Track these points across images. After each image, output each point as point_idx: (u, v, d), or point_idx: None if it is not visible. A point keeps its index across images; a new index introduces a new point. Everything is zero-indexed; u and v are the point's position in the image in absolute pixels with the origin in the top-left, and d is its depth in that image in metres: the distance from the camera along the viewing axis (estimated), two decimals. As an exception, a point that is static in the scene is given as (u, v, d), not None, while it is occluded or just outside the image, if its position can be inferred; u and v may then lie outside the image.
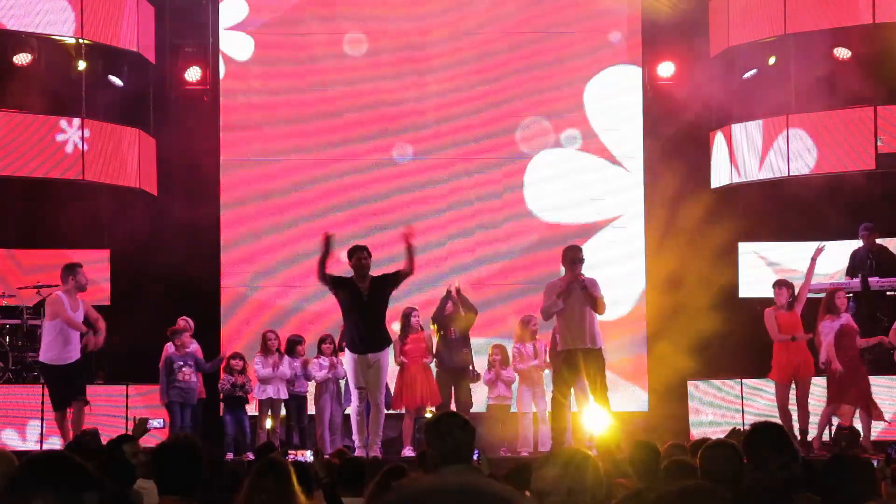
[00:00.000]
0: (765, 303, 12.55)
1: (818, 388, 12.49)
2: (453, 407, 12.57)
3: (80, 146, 14.03)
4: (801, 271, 12.79)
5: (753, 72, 14.95)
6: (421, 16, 15.53)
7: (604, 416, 11.72)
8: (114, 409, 13.08)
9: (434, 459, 4.46)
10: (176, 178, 15.14)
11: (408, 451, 12.36)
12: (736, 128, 14.77)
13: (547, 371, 12.96)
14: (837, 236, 14.31)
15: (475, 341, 13.21)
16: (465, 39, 15.51)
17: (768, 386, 12.50)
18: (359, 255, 11.43)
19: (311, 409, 13.30)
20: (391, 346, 11.77)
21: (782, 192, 14.83)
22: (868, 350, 12.43)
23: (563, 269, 11.72)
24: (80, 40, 14.26)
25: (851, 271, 13.72)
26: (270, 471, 5.05)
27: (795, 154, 14.26)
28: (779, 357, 12.20)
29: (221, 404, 13.46)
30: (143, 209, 14.98)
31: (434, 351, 12.97)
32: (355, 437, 11.73)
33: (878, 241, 13.89)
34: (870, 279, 13.40)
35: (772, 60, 14.86)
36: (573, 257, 11.57)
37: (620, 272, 14.99)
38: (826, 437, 12.04)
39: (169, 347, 12.89)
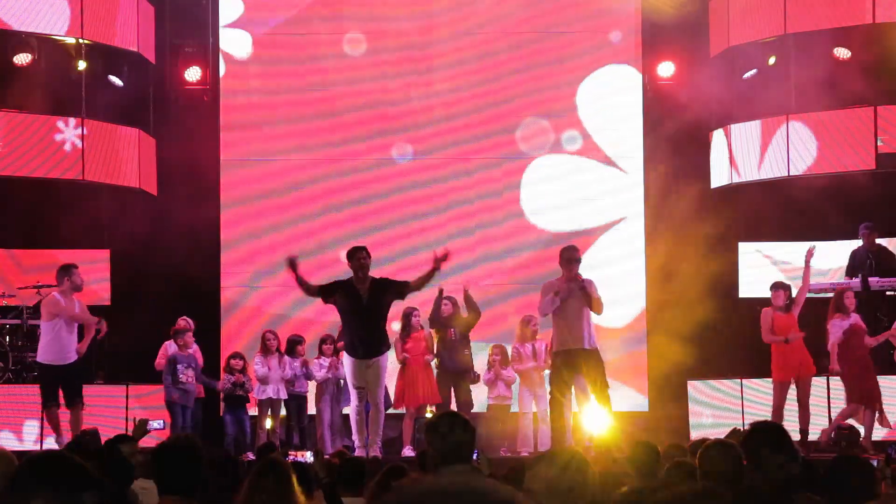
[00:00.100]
0: (765, 303, 12.54)
1: (818, 388, 12.50)
2: (453, 407, 12.56)
3: (77, 144, 14.03)
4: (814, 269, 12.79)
5: (753, 72, 14.94)
6: (421, 15, 15.53)
7: (604, 416, 11.72)
8: (114, 410, 13.08)
9: (434, 459, 4.46)
10: (176, 177, 15.13)
11: (408, 451, 12.35)
12: (735, 128, 14.77)
13: (547, 371, 12.95)
14: (837, 236, 14.32)
15: (475, 341, 13.19)
16: (465, 39, 15.50)
17: (768, 386, 12.49)
18: (359, 256, 11.39)
19: (311, 409, 13.30)
20: (390, 349, 11.76)
21: (782, 192, 14.82)
22: (873, 349, 12.43)
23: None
24: (80, 40, 14.26)
25: (851, 271, 13.72)
26: (270, 471, 5.05)
27: (796, 147, 14.25)
28: (777, 358, 12.21)
29: (222, 404, 13.47)
30: (143, 209, 14.98)
31: (435, 351, 12.96)
32: (355, 437, 11.72)
33: (878, 241, 13.89)
34: (870, 279, 13.40)
35: (772, 60, 14.86)
36: (569, 257, 11.57)
37: (620, 272, 15.00)
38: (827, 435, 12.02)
39: (169, 346, 12.89)
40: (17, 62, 14.34)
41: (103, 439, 8.27)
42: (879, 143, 13.92)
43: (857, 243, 13.89)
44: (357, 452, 11.21)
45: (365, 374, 11.40)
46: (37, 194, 14.84)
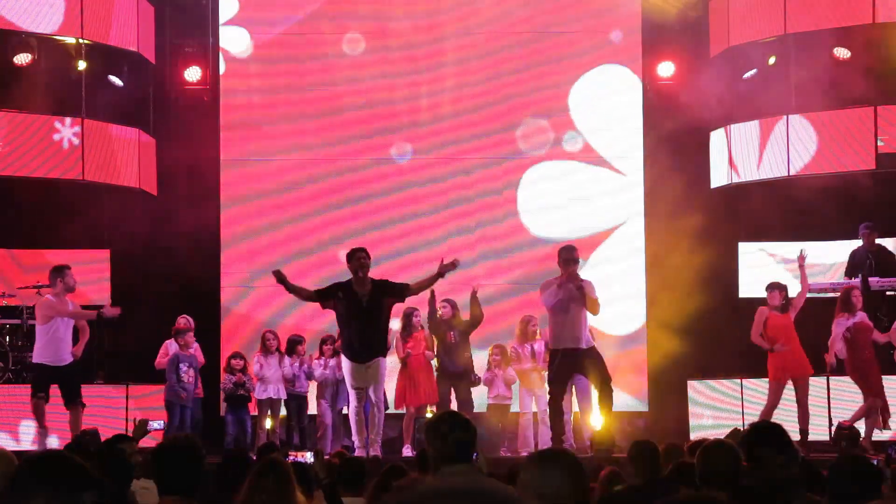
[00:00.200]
0: (765, 303, 12.54)
1: (818, 388, 12.48)
2: (453, 407, 12.55)
3: (74, 142, 14.01)
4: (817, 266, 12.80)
5: (753, 72, 14.94)
6: (421, 15, 15.53)
7: (603, 416, 11.73)
8: (114, 410, 13.08)
9: (434, 459, 4.45)
10: (176, 177, 15.13)
11: (408, 451, 12.35)
12: (735, 128, 14.77)
13: (546, 371, 12.94)
14: (837, 236, 14.32)
15: (475, 341, 13.17)
16: (465, 39, 15.50)
17: (767, 386, 12.47)
18: (359, 256, 11.40)
19: (311, 409, 13.30)
20: (389, 351, 11.76)
21: (782, 192, 14.82)
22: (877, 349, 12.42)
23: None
24: (80, 40, 14.26)
25: (851, 271, 13.71)
26: (270, 471, 5.04)
27: (794, 144, 14.24)
28: (774, 358, 12.20)
29: (223, 404, 13.46)
30: (143, 209, 14.97)
31: (435, 351, 12.94)
32: (354, 437, 11.72)
33: (878, 241, 13.88)
34: (870, 279, 13.40)
35: (772, 60, 14.86)
36: (567, 257, 11.60)
37: (620, 272, 15.00)
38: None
39: (170, 346, 12.89)
40: (17, 62, 14.34)
41: (103, 439, 8.27)
42: (880, 143, 13.92)
43: (857, 243, 13.88)
44: (357, 452, 11.21)
45: (364, 375, 11.40)
46: (37, 194, 14.84)
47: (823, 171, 14.25)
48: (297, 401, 13.12)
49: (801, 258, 12.36)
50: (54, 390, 11.75)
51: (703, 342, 14.42)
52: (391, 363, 12.25)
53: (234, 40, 15.49)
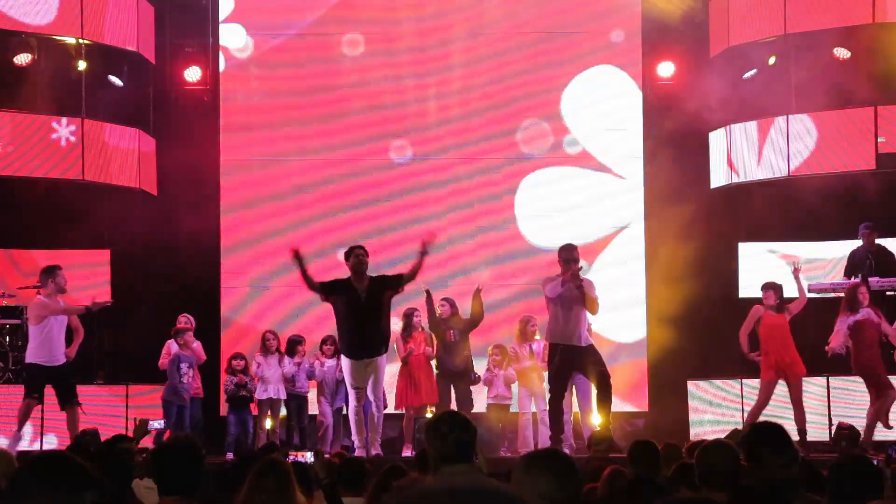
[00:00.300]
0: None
1: (818, 388, 12.48)
2: (453, 406, 12.55)
3: (71, 140, 14.01)
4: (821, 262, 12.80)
5: (753, 72, 14.94)
6: (423, 18, 15.52)
7: (601, 415, 11.73)
8: (114, 410, 13.08)
9: (434, 459, 4.45)
10: (176, 178, 15.12)
11: (408, 451, 12.35)
12: (735, 128, 14.77)
13: (546, 372, 12.94)
14: (837, 236, 14.32)
15: (474, 342, 13.18)
16: (466, 41, 15.49)
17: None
18: (357, 254, 11.41)
19: (312, 409, 13.30)
20: (389, 350, 11.75)
21: (782, 192, 14.82)
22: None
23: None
24: (80, 40, 14.26)
25: (850, 271, 13.71)
26: (270, 471, 5.04)
27: (793, 141, 14.24)
28: (764, 357, 12.22)
29: (225, 405, 13.45)
30: (144, 210, 14.97)
31: (435, 350, 12.94)
32: (354, 437, 11.72)
33: (878, 240, 13.88)
34: (870, 279, 13.39)
35: (772, 60, 14.86)
36: (567, 257, 11.61)
37: (620, 272, 15.00)
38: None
39: (172, 346, 12.89)
40: (17, 62, 14.34)
41: (103, 439, 8.27)
42: (880, 143, 13.92)
43: (857, 243, 13.88)
44: (357, 452, 11.22)
45: (364, 374, 11.40)
46: (37, 195, 14.84)
47: (823, 172, 14.25)
48: (297, 401, 13.12)
49: (796, 270, 12.40)
50: (52, 392, 11.73)
51: (703, 342, 14.42)
52: (391, 363, 12.25)
53: (235, 42, 15.48)
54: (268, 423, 12.98)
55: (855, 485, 4.86)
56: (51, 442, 12.61)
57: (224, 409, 13.58)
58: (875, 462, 5.98)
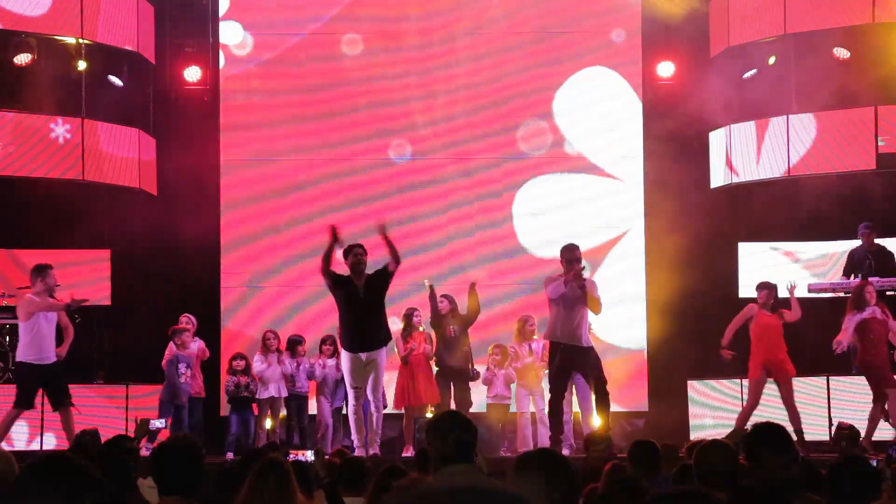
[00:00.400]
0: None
1: (818, 388, 12.47)
2: (453, 406, 12.56)
3: (66, 137, 14.00)
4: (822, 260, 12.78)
5: (753, 72, 14.94)
6: (421, 16, 15.52)
7: (600, 416, 11.73)
8: (114, 410, 13.08)
9: (434, 459, 4.45)
10: (176, 177, 15.12)
11: (408, 451, 12.36)
12: (735, 128, 14.77)
13: (545, 371, 12.94)
14: (837, 236, 14.32)
15: (475, 342, 13.18)
16: (465, 39, 15.49)
17: (769, 387, 12.46)
18: (355, 252, 11.46)
19: (312, 409, 13.30)
20: (389, 344, 11.76)
21: (782, 192, 14.83)
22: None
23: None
24: (80, 40, 14.26)
25: (849, 271, 13.71)
26: (271, 471, 5.04)
27: (794, 138, 14.24)
28: (754, 356, 12.23)
29: (226, 405, 13.45)
30: (144, 209, 14.97)
31: (434, 349, 12.94)
32: (354, 436, 11.73)
33: (878, 240, 13.88)
34: (870, 279, 13.39)
35: (772, 60, 14.86)
36: (570, 257, 11.61)
37: (620, 272, 15.00)
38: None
39: (173, 346, 12.89)
40: (17, 62, 14.33)
41: (103, 439, 8.27)
42: (880, 143, 13.92)
43: (856, 243, 13.89)
44: (356, 452, 11.22)
45: (363, 373, 11.42)
46: (38, 195, 14.84)
47: (823, 171, 14.25)
48: (297, 400, 13.12)
49: (792, 288, 12.43)
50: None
51: (703, 342, 14.41)
52: (391, 363, 12.25)
53: (235, 42, 15.47)
54: (268, 423, 12.98)
55: (854, 485, 4.87)
56: (50, 442, 12.60)
57: (225, 409, 13.57)
58: (875, 462, 5.99)
